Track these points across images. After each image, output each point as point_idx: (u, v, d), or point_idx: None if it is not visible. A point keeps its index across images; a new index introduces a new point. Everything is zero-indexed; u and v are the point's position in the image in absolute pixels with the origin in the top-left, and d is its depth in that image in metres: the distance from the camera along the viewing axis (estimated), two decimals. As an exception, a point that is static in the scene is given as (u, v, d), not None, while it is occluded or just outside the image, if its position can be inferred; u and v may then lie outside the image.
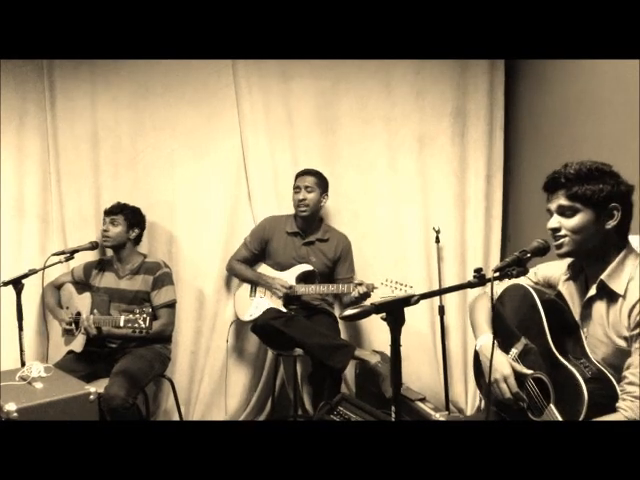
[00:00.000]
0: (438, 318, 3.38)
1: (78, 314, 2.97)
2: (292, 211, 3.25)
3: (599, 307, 1.61)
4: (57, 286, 3.20)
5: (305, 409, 3.38)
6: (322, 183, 3.19)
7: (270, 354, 3.39)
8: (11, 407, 2.09)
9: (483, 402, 2.96)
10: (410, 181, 3.43)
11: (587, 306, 1.65)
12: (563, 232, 1.61)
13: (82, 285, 3.14)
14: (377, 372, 2.87)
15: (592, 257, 1.63)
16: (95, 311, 2.88)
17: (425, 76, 3.40)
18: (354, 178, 3.42)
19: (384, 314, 1.44)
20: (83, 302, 2.98)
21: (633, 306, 1.51)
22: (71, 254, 3.06)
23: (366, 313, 1.44)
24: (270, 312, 3.02)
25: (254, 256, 3.26)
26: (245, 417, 3.42)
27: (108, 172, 3.37)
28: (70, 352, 2.96)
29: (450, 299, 3.41)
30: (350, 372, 3.26)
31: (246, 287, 3.24)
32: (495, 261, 3.43)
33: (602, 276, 1.59)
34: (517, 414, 1.72)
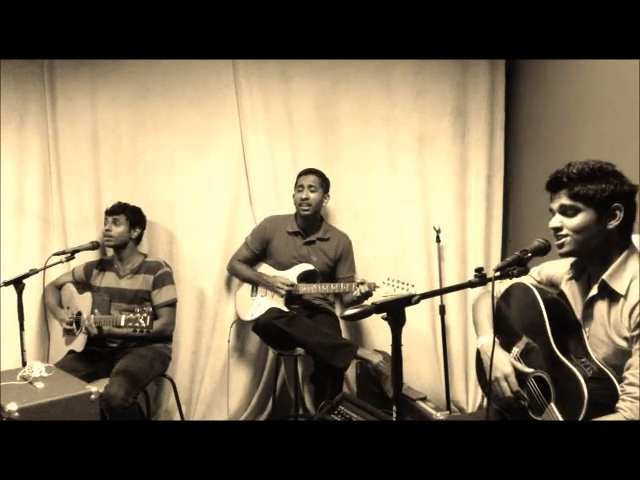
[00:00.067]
0: (439, 318, 3.38)
1: (79, 314, 2.98)
2: (292, 211, 3.25)
3: (600, 307, 1.61)
4: (58, 286, 3.20)
5: (306, 409, 3.39)
6: (324, 183, 3.20)
7: (271, 354, 3.39)
8: (12, 407, 2.09)
9: (485, 400, 2.96)
10: (410, 181, 3.43)
11: (589, 306, 1.65)
12: (565, 231, 1.60)
13: (83, 285, 3.15)
14: (379, 372, 2.87)
15: (594, 257, 1.63)
16: (96, 311, 2.88)
17: (425, 76, 3.40)
18: (354, 178, 3.42)
19: (385, 314, 1.45)
20: (84, 302, 2.99)
21: (634, 307, 1.50)
22: (72, 254, 3.06)
23: (367, 313, 1.44)
24: (272, 311, 3.02)
25: (255, 256, 3.27)
26: (246, 417, 3.42)
27: (108, 172, 3.37)
28: (71, 352, 2.97)
29: (451, 299, 3.42)
30: (351, 372, 3.26)
31: (247, 287, 3.25)
32: (496, 261, 3.43)
33: (604, 276, 1.58)
34: (518, 412, 1.72)
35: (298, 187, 3.16)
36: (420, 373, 3.36)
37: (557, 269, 1.82)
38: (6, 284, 2.79)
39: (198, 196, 3.39)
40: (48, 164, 3.34)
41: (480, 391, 3.45)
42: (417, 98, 3.41)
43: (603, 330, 1.59)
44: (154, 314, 2.83)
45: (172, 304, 3.05)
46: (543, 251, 1.64)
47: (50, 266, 2.94)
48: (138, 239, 3.16)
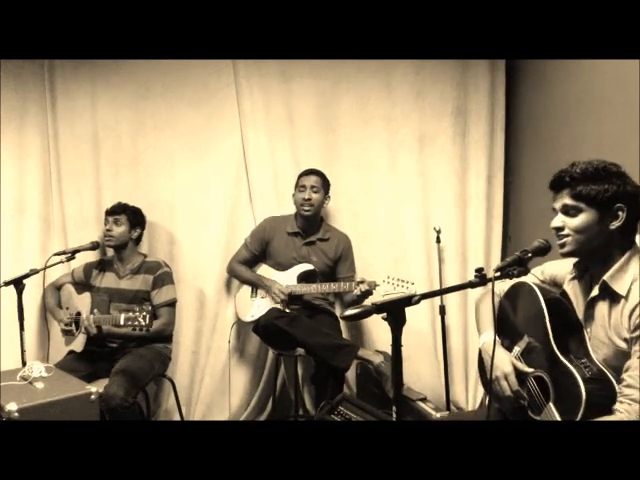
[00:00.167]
0: (439, 318, 3.38)
1: (78, 314, 2.97)
2: (292, 211, 3.25)
3: (601, 308, 1.61)
4: (57, 287, 3.20)
5: (306, 409, 3.39)
6: (325, 184, 3.20)
7: (271, 354, 3.39)
8: (12, 407, 2.09)
9: (486, 397, 2.96)
10: (410, 181, 3.43)
11: (590, 306, 1.64)
12: (566, 231, 1.60)
13: (82, 286, 3.14)
14: (381, 372, 2.86)
15: (596, 257, 1.62)
16: (95, 310, 2.88)
17: (425, 76, 3.40)
18: (354, 178, 3.42)
19: (385, 314, 1.45)
20: (83, 302, 2.99)
21: (634, 308, 1.50)
22: (72, 254, 3.06)
23: (367, 313, 1.44)
24: (273, 312, 3.01)
25: (255, 257, 3.26)
26: (246, 417, 3.42)
27: (109, 172, 3.37)
28: (71, 352, 2.97)
29: (451, 299, 3.41)
30: (351, 372, 3.25)
31: (247, 288, 3.24)
32: (496, 261, 3.43)
33: (605, 277, 1.58)
34: (518, 411, 1.72)
35: (300, 187, 3.16)
36: (420, 373, 3.36)
37: (560, 268, 1.82)
38: (6, 284, 2.79)
39: (198, 196, 3.39)
40: (48, 164, 3.34)
41: (480, 391, 3.45)
42: (417, 98, 3.41)
43: (603, 331, 1.58)
44: (154, 313, 2.83)
45: (172, 304, 3.05)
46: (543, 251, 1.63)
47: (50, 266, 2.94)
48: (138, 239, 3.17)
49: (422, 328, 3.40)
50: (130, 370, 2.75)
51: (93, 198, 3.36)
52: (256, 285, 3.19)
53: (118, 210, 3.08)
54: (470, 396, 3.47)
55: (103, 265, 3.17)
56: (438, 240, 3.37)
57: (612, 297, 1.57)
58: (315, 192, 3.13)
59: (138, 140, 3.37)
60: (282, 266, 3.18)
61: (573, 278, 1.75)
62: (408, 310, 1.46)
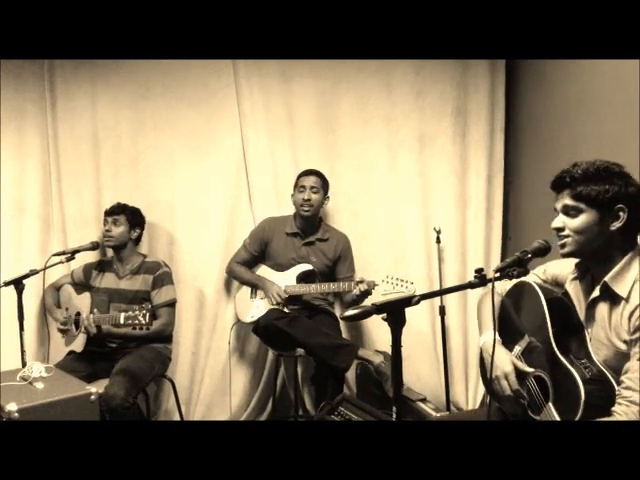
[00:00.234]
0: (439, 318, 3.38)
1: (78, 314, 2.97)
2: (292, 212, 3.25)
3: (602, 309, 1.60)
4: (57, 288, 3.21)
5: (306, 409, 3.39)
6: (325, 185, 3.20)
7: (271, 355, 3.39)
8: (12, 407, 2.09)
9: (487, 397, 2.96)
10: (410, 181, 3.43)
11: (591, 307, 1.64)
12: (567, 232, 1.59)
13: (82, 286, 3.14)
14: (381, 372, 2.87)
15: (596, 258, 1.61)
16: (95, 310, 2.88)
17: (425, 76, 3.39)
18: (354, 178, 3.42)
19: (385, 314, 1.45)
20: (83, 302, 2.99)
21: (634, 310, 1.49)
22: (72, 254, 3.06)
23: (367, 313, 1.44)
24: (273, 312, 3.01)
25: (254, 258, 3.26)
26: (246, 417, 3.42)
27: (109, 172, 3.37)
28: (71, 352, 2.97)
29: (451, 299, 3.41)
30: (351, 373, 3.25)
31: (246, 289, 3.24)
32: (496, 261, 3.43)
33: (606, 278, 1.57)
34: (518, 411, 1.72)
35: (299, 188, 3.16)
36: (420, 374, 3.36)
37: (562, 268, 1.81)
38: (6, 284, 2.79)
39: (198, 196, 3.39)
40: (48, 164, 3.34)
41: (480, 391, 3.45)
42: (417, 98, 3.41)
43: (604, 332, 1.58)
44: (154, 313, 2.83)
45: (172, 304, 3.05)
46: (543, 252, 1.63)
47: (50, 266, 2.94)
48: (137, 240, 3.17)
49: (422, 328, 3.40)
50: (130, 370, 2.75)
51: (93, 198, 3.36)
52: (255, 286, 3.19)
53: (117, 210, 3.08)
54: (470, 396, 3.46)
55: (103, 265, 3.17)
56: (438, 240, 3.37)
57: (613, 298, 1.57)
58: (314, 192, 3.13)
59: (138, 140, 3.37)
60: (281, 267, 3.18)
61: (575, 278, 1.74)
62: (408, 310, 1.46)
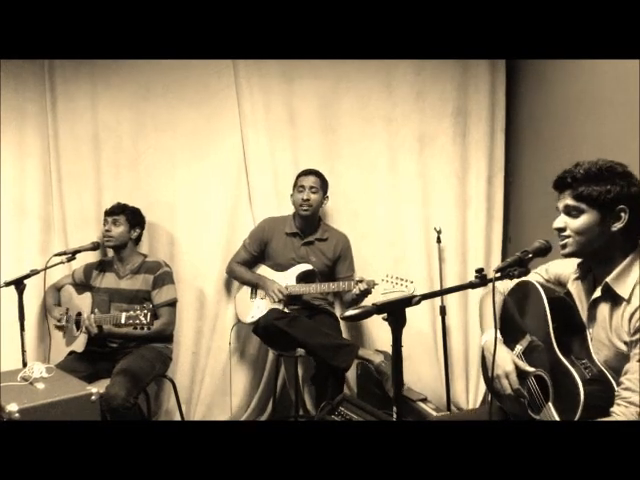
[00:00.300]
0: (439, 318, 3.38)
1: (79, 314, 2.98)
2: (292, 212, 3.25)
3: (603, 309, 1.60)
4: (58, 288, 3.21)
5: (306, 409, 3.39)
6: (324, 185, 3.20)
7: (271, 355, 3.39)
8: (13, 408, 2.09)
9: (488, 396, 2.96)
10: (411, 181, 3.42)
11: (592, 307, 1.64)
12: (568, 232, 1.59)
13: (82, 286, 3.15)
14: (381, 372, 2.87)
15: (598, 258, 1.61)
16: (96, 310, 2.88)
17: (426, 76, 3.39)
18: (354, 178, 3.42)
19: (385, 314, 1.45)
20: (84, 302, 2.99)
21: (634, 311, 1.49)
22: (73, 254, 3.07)
23: (367, 313, 1.44)
24: (273, 313, 3.01)
25: (253, 258, 3.26)
26: (247, 418, 3.42)
27: (109, 173, 3.38)
28: (71, 352, 2.97)
29: (451, 299, 3.41)
30: (352, 373, 3.26)
31: (246, 289, 3.24)
32: (496, 261, 3.43)
33: (607, 279, 1.57)
34: (518, 410, 1.72)
35: (298, 187, 3.16)
36: (421, 374, 3.36)
37: (565, 268, 1.81)
38: (7, 285, 2.79)
39: (199, 197, 3.39)
40: (48, 164, 3.34)
41: (480, 391, 3.45)
42: (417, 98, 3.41)
43: (604, 333, 1.58)
44: (154, 313, 2.83)
45: (172, 304, 3.05)
46: (544, 252, 1.63)
47: (51, 267, 2.94)
48: (137, 239, 3.17)
49: (423, 328, 3.40)
50: (131, 370, 2.75)
51: (93, 198, 3.36)
52: (255, 285, 3.19)
53: (117, 210, 3.09)
54: (471, 396, 3.46)
55: (103, 266, 3.17)
56: (439, 240, 3.37)
57: (614, 299, 1.56)
58: (314, 192, 3.13)
59: (138, 141, 3.37)
60: (281, 267, 3.18)
61: (577, 278, 1.74)
62: (408, 310, 1.46)
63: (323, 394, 2.86)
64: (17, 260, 3.22)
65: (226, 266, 3.32)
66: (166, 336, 3.05)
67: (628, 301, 1.52)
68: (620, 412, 1.45)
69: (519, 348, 1.77)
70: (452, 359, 3.43)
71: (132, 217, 3.11)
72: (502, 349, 1.75)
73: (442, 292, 2.07)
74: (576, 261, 1.72)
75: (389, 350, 1.48)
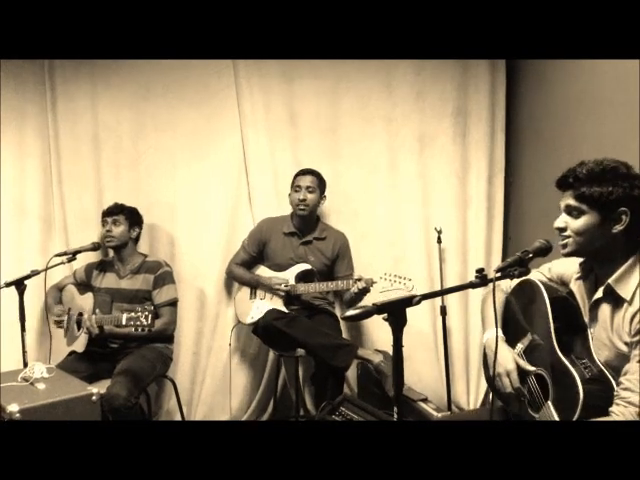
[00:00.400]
0: (440, 318, 3.37)
1: (80, 314, 2.98)
2: (290, 212, 3.25)
3: (604, 310, 1.59)
4: (60, 289, 3.21)
5: (307, 409, 3.38)
6: (321, 184, 3.20)
7: (271, 355, 3.39)
8: (13, 408, 2.09)
9: (489, 394, 2.96)
10: (411, 182, 3.42)
11: (594, 308, 1.63)
12: (568, 232, 1.58)
13: (84, 286, 3.15)
14: (380, 371, 2.86)
15: (599, 258, 1.61)
16: (97, 311, 2.88)
17: (426, 76, 3.39)
18: (354, 177, 3.42)
19: (386, 314, 1.45)
20: (85, 302, 2.99)
21: (635, 313, 1.49)
22: (73, 255, 3.07)
23: (368, 314, 1.44)
24: (272, 313, 3.01)
25: (253, 259, 3.26)
26: (247, 418, 3.42)
27: (109, 173, 3.38)
28: (72, 353, 2.97)
29: (452, 299, 3.41)
30: (352, 372, 3.26)
31: (246, 290, 3.24)
32: (497, 261, 3.43)
33: (609, 280, 1.56)
34: (519, 408, 1.72)
35: (295, 187, 3.16)
36: (421, 374, 3.36)
37: (567, 267, 1.80)
38: (7, 285, 2.79)
39: (199, 197, 3.39)
40: (49, 165, 3.34)
41: (481, 391, 3.45)
42: (418, 98, 3.40)
43: (605, 333, 1.58)
44: (155, 313, 2.83)
45: (173, 303, 3.05)
46: (544, 252, 1.63)
47: (51, 267, 2.94)
48: (137, 239, 3.18)
49: (423, 328, 3.40)
50: (132, 370, 2.75)
51: (94, 199, 3.36)
52: (255, 285, 3.19)
53: (116, 210, 3.09)
54: (471, 396, 3.46)
55: (104, 266, 3.17)
56: (439, 240, 3.37)
57: (616, 300, 1.56)
58: (310, 192, 3.13)
59: (139, 141, 3.37)
60: (280, 267, 3.18)
61: (579, 278, 1.73)
62: (409, 311, 1.46)
63: (323, 394, 2.86)
64: (17, 260, 3.22)
65: (226, 267, 3.32)
66: (167, 336, 3.05)
67: (630, 302, 1.52)
68: (619, 412, 1.46)
69: (520, 347, 1.78)
70: (453, 359, 3.43)
71: (131, 216, 3.12)
72: (504, 347, 1.75)
73: (442, 292, 2.08)
74: (579, 260, 1.71)
75: (389, 350, 1.48)
